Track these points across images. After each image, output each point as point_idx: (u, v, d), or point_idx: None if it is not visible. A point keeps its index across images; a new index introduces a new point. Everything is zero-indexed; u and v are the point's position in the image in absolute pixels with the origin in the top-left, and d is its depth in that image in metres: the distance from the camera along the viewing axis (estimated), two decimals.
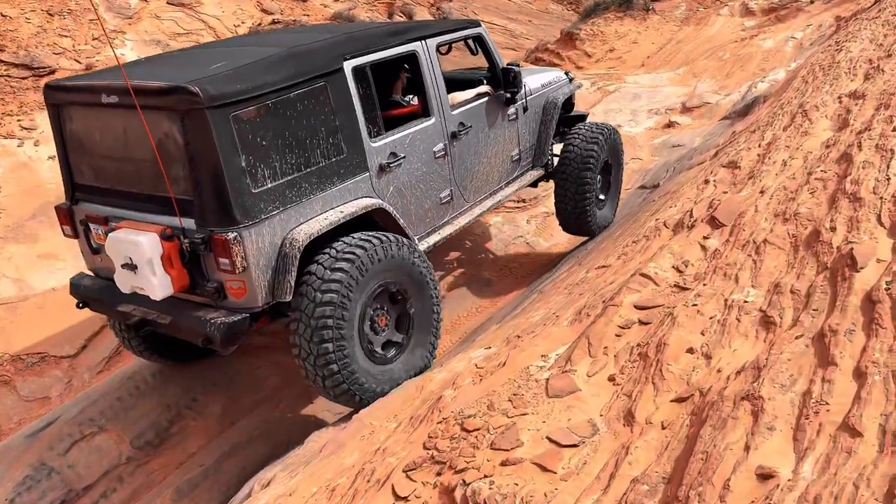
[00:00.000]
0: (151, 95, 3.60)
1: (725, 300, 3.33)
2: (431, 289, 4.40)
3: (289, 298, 3.84)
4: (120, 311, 4.27)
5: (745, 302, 3.26)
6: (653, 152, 9.09)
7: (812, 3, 15.13)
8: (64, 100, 4.17)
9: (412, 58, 4.80)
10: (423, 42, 4.83)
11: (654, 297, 3.55)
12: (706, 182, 5.24)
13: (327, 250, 3.94)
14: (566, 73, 6.68)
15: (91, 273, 4.57)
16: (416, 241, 4.65)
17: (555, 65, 15.53)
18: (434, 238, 4.93)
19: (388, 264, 4.07)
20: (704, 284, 3.55)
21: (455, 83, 5.51)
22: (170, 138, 3.68)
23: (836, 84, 6.31)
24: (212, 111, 3.50)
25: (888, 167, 3.93)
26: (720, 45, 14.30)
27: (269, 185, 3.76)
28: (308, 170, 3.94)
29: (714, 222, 4.25)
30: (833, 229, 3.53)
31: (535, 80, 6.08)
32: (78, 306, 4.55)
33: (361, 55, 4.32)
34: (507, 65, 5.63)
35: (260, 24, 13.38)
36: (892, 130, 4.48)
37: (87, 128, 4.13)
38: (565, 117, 6.43)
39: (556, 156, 6.28)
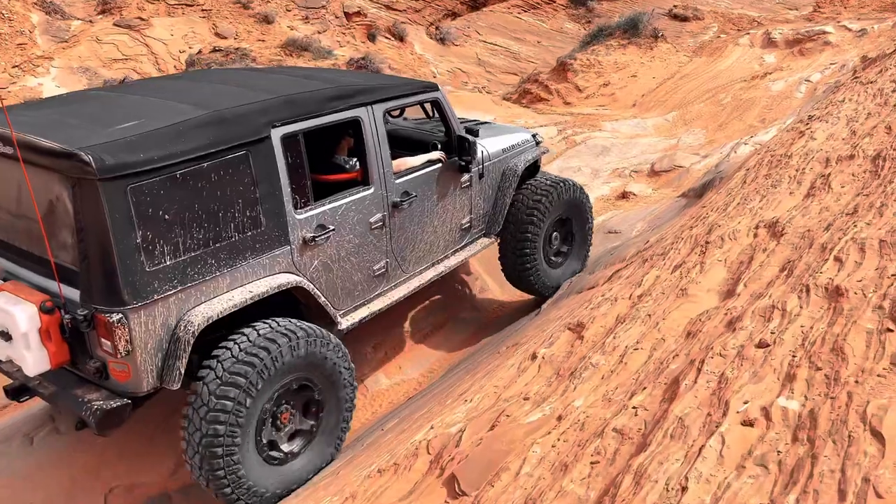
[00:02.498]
0: (42, 154, 3.36)
1: None
2: (346, 386, 4.13)
3: (176, 387, 3.61)
4: (3, 370, 4.02)
5: None
6: None
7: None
8: None
9: (355, 124, 4.47)
10: (368, 108, 4.50)
11: None
12: (532, 358, 3.64)
13: (231, 342, 3.68)
14: (534, 136, 6.19)
15: None
16: (340, 318, 4.42)
17: (542, 99, 13.92)
18: (362, 313, 4.61)
19: (298, 363, 3.82)
20: None
21: (408, 143, 5.30)
22: (60, 203, 3.45)
23: (768, 198, 4.59)
24: (105, 183, 3.26)
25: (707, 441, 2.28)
26: (725, 85, 12.42)
27: (168, 263, 3.52)
28: (217, 245, 3.69)
29: (452, 487, 2.66)
30: None
31: (496, 143, 5.68)
32: None
33: (295, 122, 4.04)
34: (469, 127, 5.36)
35: (200, 53, 12.12)
36: (775, 332, 2.79)
37: None
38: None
39: None
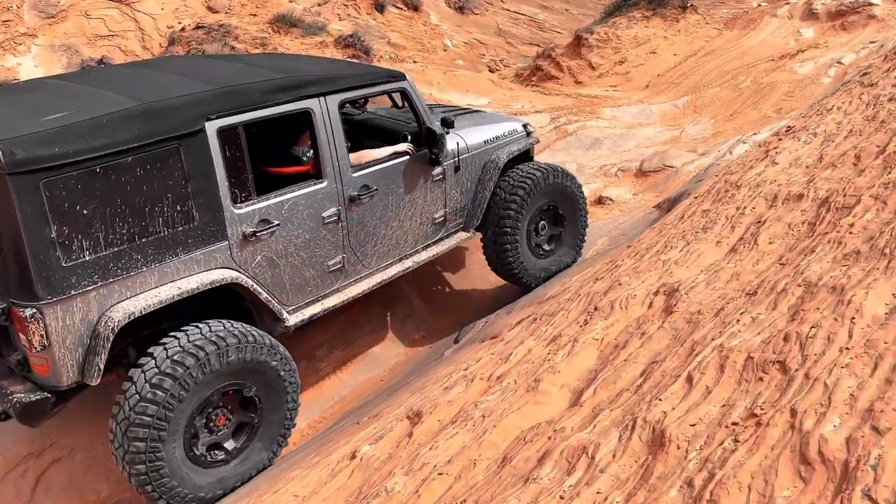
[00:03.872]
0: None
1: None
2: (288, 391, 4.01)
3: (96, 383, 3.59)
4: None
5: None
6: None
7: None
8: None
9: (305, 115, 4.30)
10: (321, 99, 4.34)
11: None
12: (351, 457, 3.03)
13: (160, 348, 3.62)
14: (524, 126, 5.95)
15: None
16: (288, 314, 4.29)
17: (553, 77, 12.96)
18: (314, 309, 4.47)
19: (233, 368, 3.75)
20: None
21: (380, 133, 5.18)
22: None
23: (691, 246, 3.80)
24: (15, 178, 3.21)
25: None
26: (749, 65, 11.25)
27: (88, 258, 3.47)
28: (143, 240, 3.64)
29: None
30: None
31: (478, 134, 5.48)
32: None
33: (233, 114, 3.92)
34: (445, 118, 5.11)
35: (184, 31, 11.60)
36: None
37: None
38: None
39: None
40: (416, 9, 16.46)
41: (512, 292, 5.89)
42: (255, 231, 4.04)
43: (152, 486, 3.62)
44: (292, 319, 4.31)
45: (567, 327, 3.40)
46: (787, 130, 5.24)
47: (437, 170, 5.07)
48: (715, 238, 3.81)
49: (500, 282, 6.05)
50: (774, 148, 4.81)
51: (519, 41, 17.20)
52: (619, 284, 3.63)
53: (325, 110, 4.37)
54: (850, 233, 3.03)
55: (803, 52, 11.45)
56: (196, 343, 3.64)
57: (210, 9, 12.70)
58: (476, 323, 5.11)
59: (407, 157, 4.86)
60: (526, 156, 5.88)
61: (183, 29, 11.47)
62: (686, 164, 7.87)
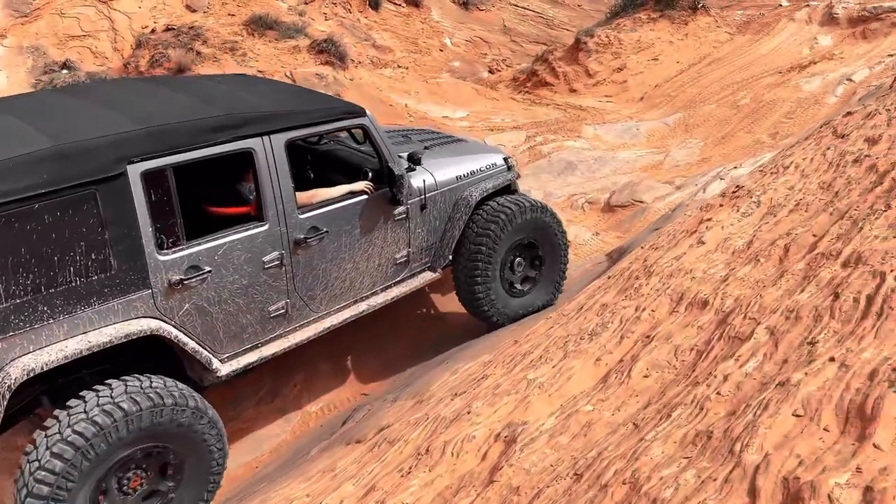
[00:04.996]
0: None
1: None
2: (209, 452, 3.72)
3: None
4: None
5: None
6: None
7: None
8: None
9: (246, 156, 4.02)
10: (264, 138, 4.05)
11: None
12: None
13: (76, 403, 3.38)
14: (506, 159, 5.61)
15: None
16: (221, 363, 4.02)
17: (547, 84, 12.23)
18: (250, 357, 4.19)
19: (147, 433, 3.48)
20: None
21: (344, 167, 4.90)
22: None
23: (566, 363, 3.14)
24: None
25: None
26: (754, 78, 10.38)
27: None
28: (51, 290, 3.40)
29: None
30: None
31: (450, 170, 5.17)
32: None
33: (160, 157, 3.66)
34: (412, 153, 4.90)
35: (154, 33, 11.10)
36: None
37: None
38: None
39: None
40: (416, 5, 15.73)
41: (431, 353, 5.27)
42: (182, 279, 3.79)
43: None
44: (225, 369, 4.06)
45: (387, 476, 2.78)
46: (734, 192, 4.50)
47: (400, 209, 4.80)
48: (597, 352, 3.15)
49: (427, 341, 5.46)
50: (708, 220, 4.09)
51: (525, 39, 16.37)
52: (468, 413, 2.99)
53: (269, 150, 4.10)
54: (718, 394, 2.35)
55: (815, 63, 10.53)
56: (104, 409, 3.37)
57: (189, 7, 12.18)
58: (364, 407, 4.50)
59: (365, 195, 4.57)
60: (507, 189, 5.55)
61: (153, 31, 10.96)
62: (657, 200, 7.13)
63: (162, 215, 3.71)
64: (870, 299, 2.53)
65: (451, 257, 5.09)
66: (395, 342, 5.39)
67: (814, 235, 3.42)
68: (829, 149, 4.61)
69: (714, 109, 9.53)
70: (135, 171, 3.58)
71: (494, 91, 11.60)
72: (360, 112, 4.59)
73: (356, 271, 4.64)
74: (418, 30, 14.88)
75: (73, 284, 3.45)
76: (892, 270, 2.62)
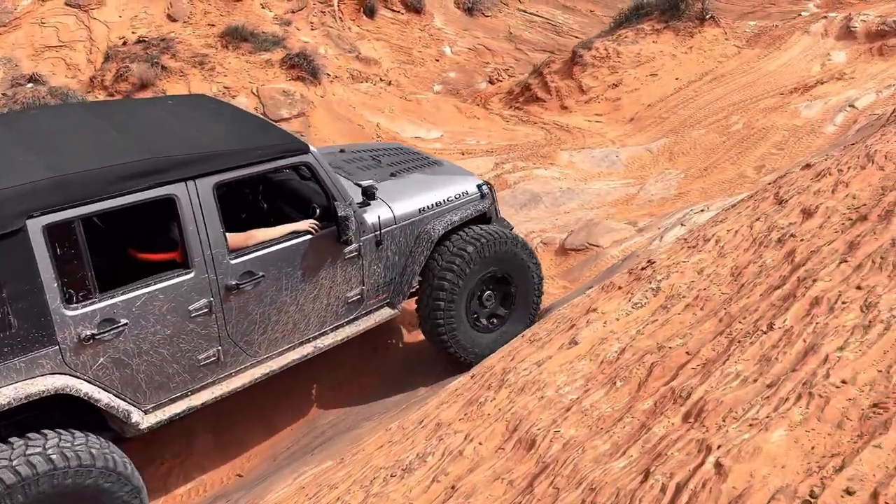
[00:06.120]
0: None
1: None
2: None
3: None
4: None
5: None
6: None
7: None
8: None
9: (168, 202, 3.84)
10: (188, 183, 3.86)
11: None
12: None
13: None
14: (480, 187, 5.33)
15: None
16: (144, 415, 3.89)
17: (538, 100, 11.60)
18: (178, 407, 4.05)
19: (48, 499, 3.29)
20: None
21: (296, 201, 4.69)
22: None
23: (386, 493, 2.61)
24: None
25: None
26: (753, 100, 9.62)
27: None
28: None
29: None
30: None
31: (411, 202, 4.96)
32: None
33: (65, 209, 3.48)
34: (366, 187, 4.70)
35: (125, 44, 10.80)
36: None
37: None
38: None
39: None
40: (417, 11, 15.15)
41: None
42: (94, 333, 3.65)
43: None
44: (147, 421, 3.92)
45: None
46: (642, 268, 3.89)
47: (352, 247, 4.60)
48: (428, 475, 2.61)
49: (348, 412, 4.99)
50: (594, 311, 3.50)
51: (531, 47, 15.67)
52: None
53: (195, 195, 3.90)
54: None
55: (823, 83, 9.71)
56: None
57: (170, 17, 11.86)
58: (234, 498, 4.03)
59: (310, 235, 4.38)
60: (482, 217, 5.35)
61: (125, 43, 10.65)
62: (614, 245, 6.50)
63: (69, 269, 3.56)
64: (679, 489, 1.94)
65: (408, 294, 4.90)
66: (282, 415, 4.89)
67: (687, 353, 2.82)
68: (759, 219, 3.98)
69: (703, 135, 8.80)
70: (35, 226, 3.41)
71: (481, 108, 11.01)
72: (302, 149, 4.35)
73: (300, 313, 4.47)
74: (415, 38, 14.33)
75: None
76: (718, 447, 2.02)
